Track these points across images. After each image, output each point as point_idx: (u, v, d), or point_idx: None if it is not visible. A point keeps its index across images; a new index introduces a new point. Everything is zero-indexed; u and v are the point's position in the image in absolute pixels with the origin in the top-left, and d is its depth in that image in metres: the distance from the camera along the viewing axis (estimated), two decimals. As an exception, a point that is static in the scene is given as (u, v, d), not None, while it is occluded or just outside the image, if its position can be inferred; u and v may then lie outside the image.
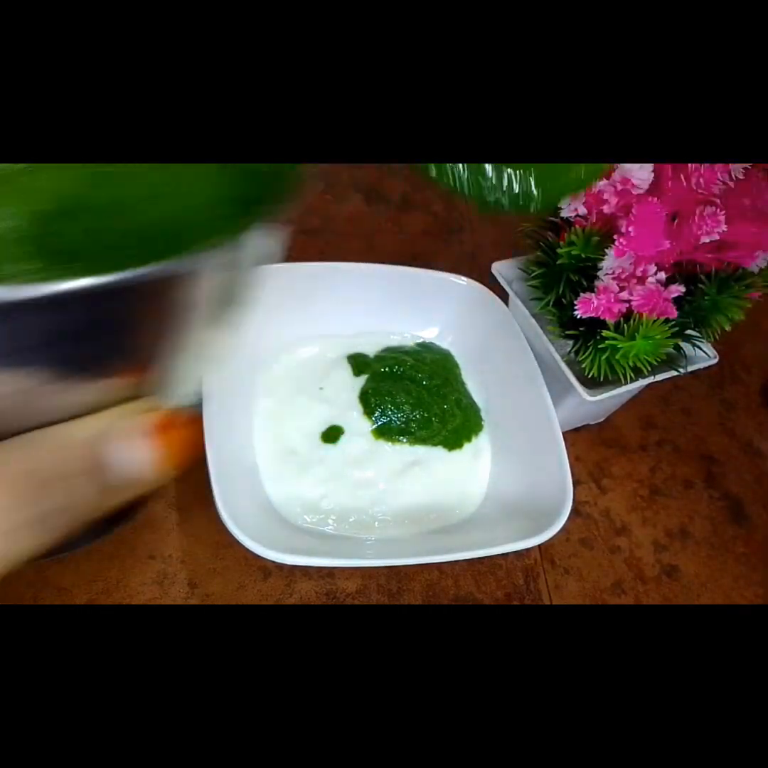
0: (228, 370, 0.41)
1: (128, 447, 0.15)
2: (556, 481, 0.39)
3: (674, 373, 0.41)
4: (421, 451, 0.44)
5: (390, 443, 0.44)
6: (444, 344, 0.50)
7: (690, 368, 0.42)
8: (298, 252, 0.56)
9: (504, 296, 0.47)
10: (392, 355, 0.47)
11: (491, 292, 0.48)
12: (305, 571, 0.40)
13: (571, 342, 0.40)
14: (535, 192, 0.21)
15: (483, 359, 0.49)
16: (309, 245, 0.57)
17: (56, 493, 0.14)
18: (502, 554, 0.40)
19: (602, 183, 0.36)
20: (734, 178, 0.33)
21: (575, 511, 0.47)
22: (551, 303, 0.40)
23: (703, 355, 0.43)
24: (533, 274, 0.41)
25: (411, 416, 0.44)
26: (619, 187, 0.35)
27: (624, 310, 0.37)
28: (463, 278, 0.48)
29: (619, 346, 0.36)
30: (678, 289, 0.36)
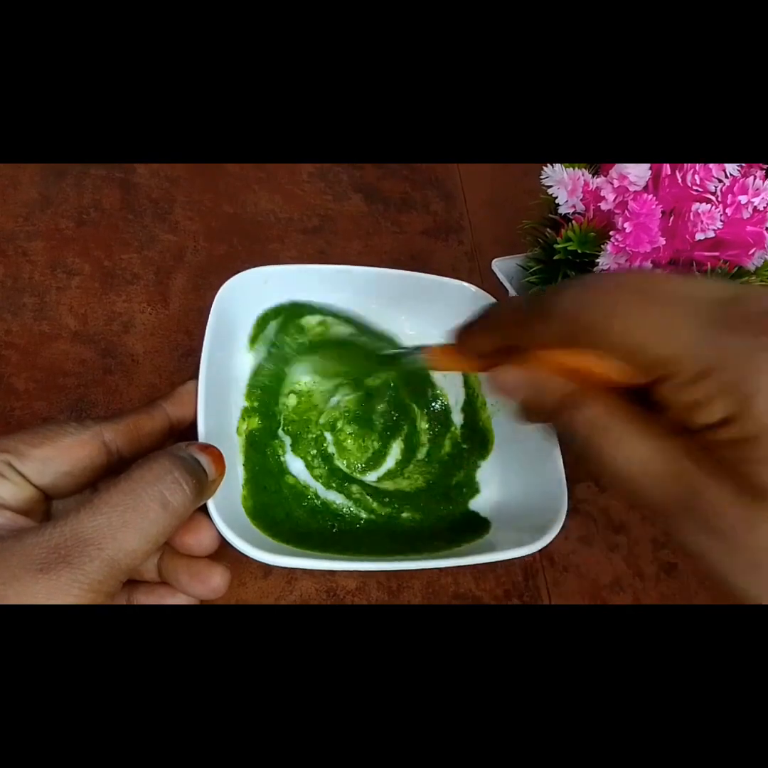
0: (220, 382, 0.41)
1: (195, 451, 0.30)
2: (552, 490, 0.39)
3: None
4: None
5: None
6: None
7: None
8: (297, 251, 0.56)
9: (504, 292, 0.47)
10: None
11: (490, 296, 0.48)
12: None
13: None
14: None
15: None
16: (308, 244, 0.57)
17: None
18: (498, 561, 0.41)
19: (600, 180, 0.36)
20: (730, 176, 0.34)
21: (574, 510, 0.47)
22: (549, 300, 0.40)
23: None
24: (531, 270, 0.41)
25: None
26: (616, 184, 0.35)
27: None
28: (465, 283, 0.48)
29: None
30: (674, 287, 0.36)
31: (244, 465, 0.40)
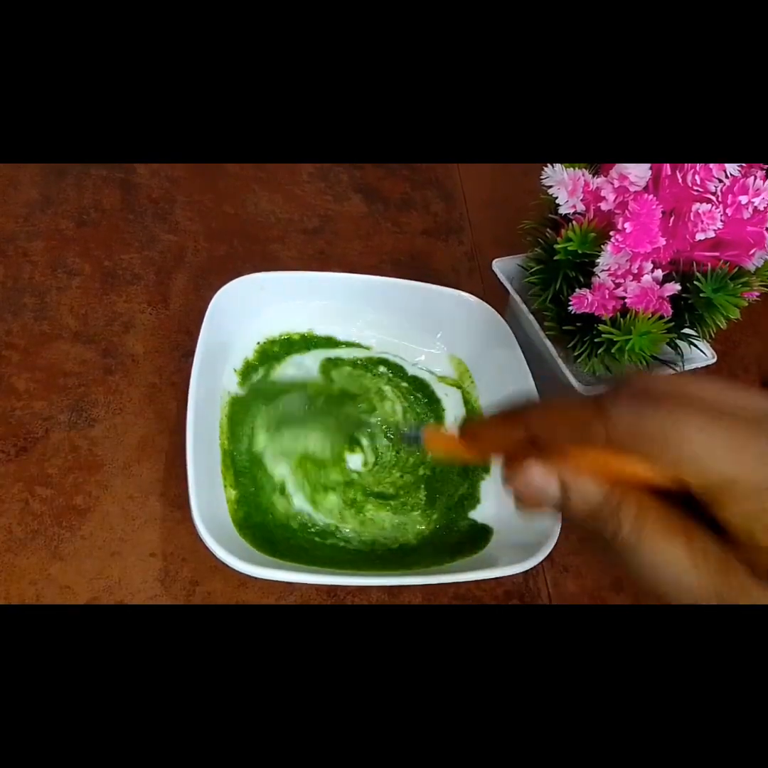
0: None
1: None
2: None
3: (671, 371, 0.41)
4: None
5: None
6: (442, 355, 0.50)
7: (687, 367, 0.42)
8: (297, 251, 0.56)
9: (504, 293, 0.47)
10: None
11: (490, 307, 0.48)
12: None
13: (569, 338, 0.41)
14: None
15: (479, 371, 0.49)
16: (309, 245, 0.57)
17: None
18: (487, 579, 0.40)
19: (600, 180, 0.36)
20: (730, 176, 0.34)
21: (575, 509, 0.47)
22: (549, 299, 0.40)
23: (700, 355, 0.43)
24: (532, 271, 0.41)
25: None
26: (617, 184, 0.35)
27: (619, 306, 0.37)
28: (465, 293, 0.48)
29: (615, 339, 0.36)
30: (673, 288, 0.36)
31: (234, 474, 0.40)
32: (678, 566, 0.19)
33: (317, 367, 0.47)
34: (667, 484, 0.19)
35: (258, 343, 0.46)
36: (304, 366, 0.47)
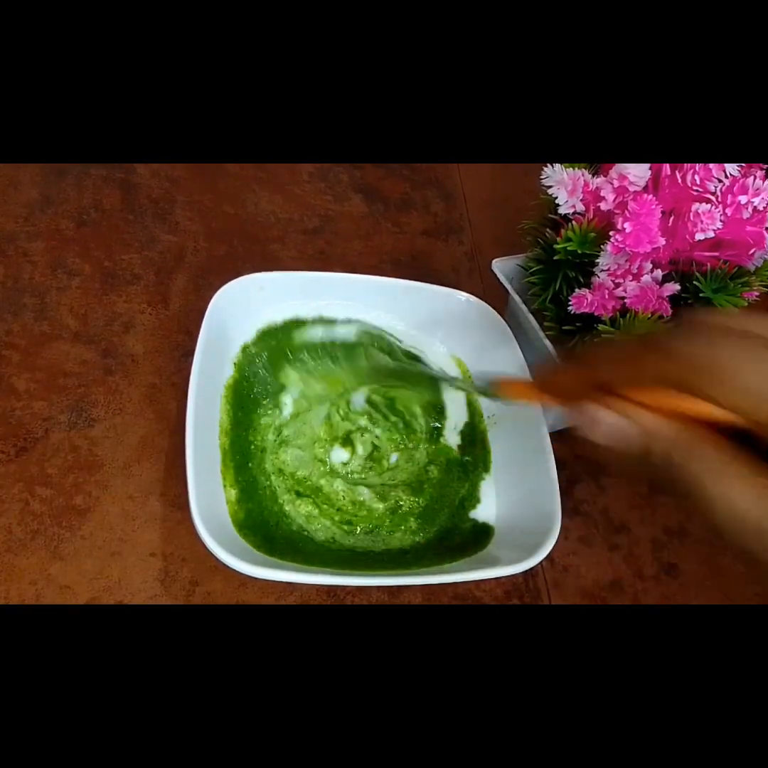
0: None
1: None
2: (546, 501, 0.39)
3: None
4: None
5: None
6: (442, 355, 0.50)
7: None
8: (297, 252, 0.56)
9: (504, 293, 0.47)
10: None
11: (490, 307, 0.48)
12: (306, 568, 0.41)
13: (569, 338, 0.41)
14: None
15: (479, 370, 0.49)
16: (309, 245, 0.57)
17: None
18: (487, 579, 0.41)
19: (600, 180, 0.36)
20: (730, 176, 0.34)
21: (574, 510, 0.47)
22: (549, 299, 0.40)
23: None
24: (531, 271, 0.41)
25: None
26: (616, 184, 0.35)
27: (618, 306, 0.37)
28: (463, 293, 0.48)
29: (614, 340, 0.36)
30: (673, 288, 0.36)
31: (234, 474, 0.40)
32: (743, 501, 0.18)
33: (353, 335, 0.47)
34: (728, 421, 0.19)
35: (258, 328, 0.46)
36: (335, 334, 0.46)
